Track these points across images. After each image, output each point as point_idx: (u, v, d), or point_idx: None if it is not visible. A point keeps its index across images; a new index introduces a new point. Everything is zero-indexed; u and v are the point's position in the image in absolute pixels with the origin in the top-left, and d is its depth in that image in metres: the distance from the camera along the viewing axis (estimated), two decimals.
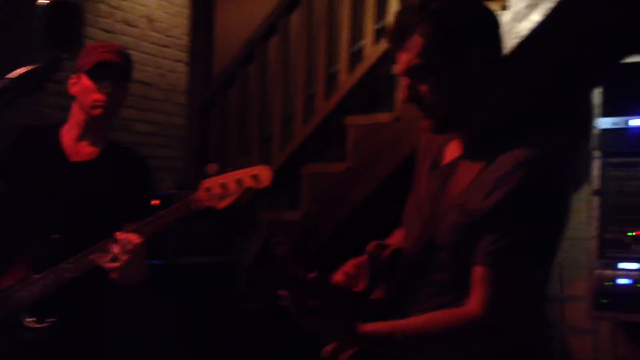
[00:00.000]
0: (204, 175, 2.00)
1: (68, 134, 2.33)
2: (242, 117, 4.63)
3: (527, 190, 1.38)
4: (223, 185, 1.95)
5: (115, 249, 2.00)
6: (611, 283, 3.54)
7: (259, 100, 4.53)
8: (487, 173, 1.44)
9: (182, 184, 3.86)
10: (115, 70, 2.27)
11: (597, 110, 3.76)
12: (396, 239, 1.78)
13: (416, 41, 1.46)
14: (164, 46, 5.37)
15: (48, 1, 1.73)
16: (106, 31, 4.87)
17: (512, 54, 3.38)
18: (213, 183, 1.97)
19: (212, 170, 1.98)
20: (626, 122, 3.62)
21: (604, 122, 3.67)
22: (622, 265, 3.52)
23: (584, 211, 3.82)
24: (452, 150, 1.59)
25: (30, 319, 2.09)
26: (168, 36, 5.39)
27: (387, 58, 3.91)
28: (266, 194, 4.31)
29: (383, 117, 3.89)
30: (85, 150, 2.33)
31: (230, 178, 1.95)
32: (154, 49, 5.28)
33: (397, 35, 1.50)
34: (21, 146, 2.35)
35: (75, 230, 2.18)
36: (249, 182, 1.94)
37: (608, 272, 3.56)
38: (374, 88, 4.20)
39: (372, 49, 3.98)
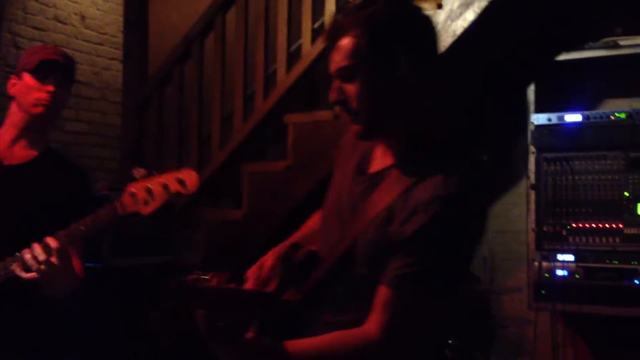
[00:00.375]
0: (131, 179, 1.94)
1: (3, 137, 2.26)
2: (180, 116, 4.55)
3: (440, 226, 1.40)
4: (148, 190, 1.90)
5: (28, 258, 1.93)
6: (549, 274, 3.63)
7: (197, 98, 4.46)
8: (410, 194, 1.44)
9: (118, 184, 3.77)
10: (59, 70, 2.22)
11: (531, 106, 3.85)
12: (306, 231, 1.79)
13: (348, 42, 1.47)
14: (98, 44, 5.24)
15: None
16: (37, 29, 4.72)
17: (447, 52, 3.42)
18: (138, 188, 1.91)
19: (139, 174, 1.92)
20: (560, 118, 3.72)
21: (538, 119, 3.76)
22: (560, 257, 3.62)
23: (522, 205, 3.91)
24: (382, 158, 1.59)
25: None
26: (102, 34, 5.26)
27: (325, 57, 3.90)
28: (207, 194, 4.26)
29: (322, 115, 3.89)
30: (20, 154, 2.26)
31: (156, 183, 1.89)
32: (88, 46, 5.15)
33: (331, 35, 1.51)
34: None
35: (7, 236, 2.09)
36: (175, 187, 1.88)
37: (546, 264, 3.65)
38: (312, 86, 4.19)
39: (310, 48, 3.97)
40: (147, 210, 1.91)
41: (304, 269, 1.56)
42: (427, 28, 1.53)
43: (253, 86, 4.24)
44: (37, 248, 1.92)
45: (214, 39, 4.38)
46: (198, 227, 4.25)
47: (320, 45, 3.85)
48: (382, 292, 1.42)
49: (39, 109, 2.20)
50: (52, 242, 1.93)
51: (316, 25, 4.01)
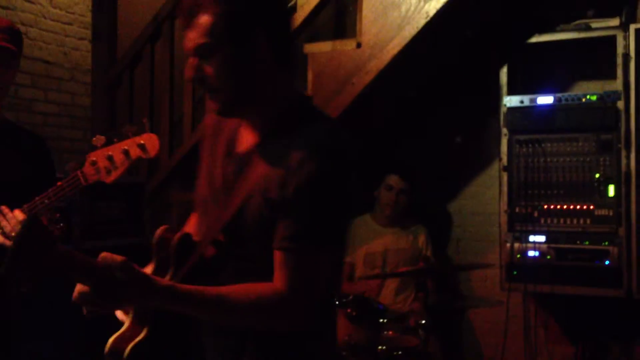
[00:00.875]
0: (90, 147, 1.89)
1: None
2: (151, 97, 4.48)
3: (315, 183, 1.45)
4: (110, 158, 1.84)
5: (4, 224, 1.93)
6: (521, 255, 3.66)
7: (168, 79, 4.39)
8: (281, 163, 1.47)
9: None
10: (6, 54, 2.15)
11: (504, 88, 3.85)
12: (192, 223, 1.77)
13: (205, 20, 1.46)
14: (66, 23, 5.12)
15: None
16: (3, 7, 4.60)
17: (419, 34, 3.41)
18: (99, 156, 1.85)
19: (98, 142, 1.86)
20: (532, 101, 3.73)
21: (510, 101, 3.77)
22: (532, 238, 3.65)
23: (495, 187, 3.92)
24: (247, 138, 1.60)
25: None
26: (70, 13, 5.14)
27: (299, 37, 3.87)
28: (180, 175, 4.21)
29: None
30: None
31: (116, 149, 1.83)
32: (56, 26, 5.03)
33: (188, 12, 1.48)
34: None
35: None
36: (136, 152, 1.82)
37: (518, 245, 3.68)
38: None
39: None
40: (109, 178, 1.87)
41: (179, 254, 1.54)
42: (284, 7, 1.58)
43: None
44: (9, 213, 1.91)
45: None
46: (170, 209, 4.21)
47: (294, 23, 3.82)
48: (278, 256, 1.47)
49: None
50: (18, 214, 1.91)
51: None
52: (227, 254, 1.56)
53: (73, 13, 5.15)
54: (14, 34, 2.22)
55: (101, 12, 4.80)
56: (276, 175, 1.47)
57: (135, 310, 1.50)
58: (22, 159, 2.18)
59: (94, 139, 1.87)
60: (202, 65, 1.48)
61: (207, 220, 1.61)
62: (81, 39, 5.20)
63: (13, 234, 1.91)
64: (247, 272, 1.52)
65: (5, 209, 1.94)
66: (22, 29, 4.68)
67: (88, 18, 5.14)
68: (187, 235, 1.58)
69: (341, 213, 1.53)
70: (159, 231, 1.58)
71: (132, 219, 3.84)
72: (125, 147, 1.82)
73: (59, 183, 1.95)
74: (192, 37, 1.47)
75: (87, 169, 1.88)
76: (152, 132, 1.84)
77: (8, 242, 1.93)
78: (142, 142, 1.81)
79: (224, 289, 1.46)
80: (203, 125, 1.76)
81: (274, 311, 1.47)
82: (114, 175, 1.86)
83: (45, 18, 4.95)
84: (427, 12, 3.42)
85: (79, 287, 1.45)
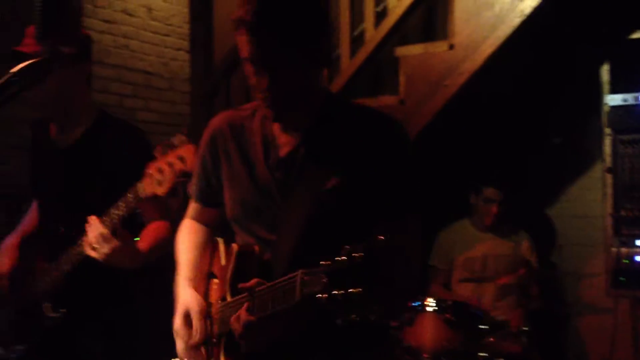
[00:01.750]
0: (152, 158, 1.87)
1: (55, 125, 2.35)
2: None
3: (402, 154, 1.58)
4: (160, 170, 1.80)
5: (87, 239, 2.00)
6: (629, 261, 3.51)
7: None
8: (346, 149, 1.54)
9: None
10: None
11: (605, 87, 3.71)
12: (195, 252, 1.80)
13: (270, 27, 1.48)
14: (165, 35, 5.31)
15: None
16: (106, 21, 4.82)
17: (515, 32, 3.33)
18: (153, 168, 1.82)
19: (157, 153, 1.82)
20: (636, 99, 3.57)
21: (613, 99, 3.62)
22: (639, 242, 3.49)
23: (597, 189, 3.78)
24: (285, 138, 1.61)
25: (49, 307, 2.17)
26: (168, 24, 5.33)
27: (389, 40, 3.86)
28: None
29: (387, 100, 3.82)
30: (66, 138, 2.31)
31: (164, 161, 1.79)
32: (155, 37, 5.23)
33: (252, 18, 1.52)
34: (32, 141, 2.41)
35: (69, 217, 2.20)
36: (178, 166, 1.76)
37: (625, 250, 3.53)
38: (376, 71, 4.12)
39: (374, 32, 3.91)
40: (161, 190, 1.82)
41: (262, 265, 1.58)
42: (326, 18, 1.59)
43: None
44: (91, 228, 1.99)
45: None
46: None
47: (384, 28, 3.81)
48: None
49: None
50: (99, 227, 1.98)
51: (379, 8, 3.94)
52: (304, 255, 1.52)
53: (171, 25, 5.34)
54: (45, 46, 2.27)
55: (198, 22, 4.94)
56: (345, 162, 1.54)
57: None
58: (114, 154, 2.23)
59: (155, 149, 1.84)
60: (262, 71, 1.50)
61: (263, 224, 1.62)
62: (179, 49, 5.37)
63: (94, 245, 1.98)
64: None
65: (91, 219, 2.00)
66: (124, 41, 4.92)
67: (185, 29, 5.31)
68: (263, 261, 1.60)
69: (421, 181, 1.61)
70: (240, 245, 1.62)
71: None
72: (170, 160, 1.78)
73: (125, 196, 1.97)
74: (260, 48, 1.50)
75: (146, 181, 1.86)
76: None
77: (93, 253, 2.00)
78: (180, 154, 1.76)
79: None
80: (208, 130, 1.77)
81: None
82: (164, 188, 1.81)
83: (145, 30, 5.15)
84: (522, 11, 3.33)
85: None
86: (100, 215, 2.00)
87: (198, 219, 1.86)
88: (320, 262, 1.29)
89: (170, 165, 1.77)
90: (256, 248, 1.62)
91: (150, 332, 2.23)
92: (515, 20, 3.33)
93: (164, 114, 5.28)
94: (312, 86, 1.59)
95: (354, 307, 1.24)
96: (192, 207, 1.87)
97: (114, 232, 1.99)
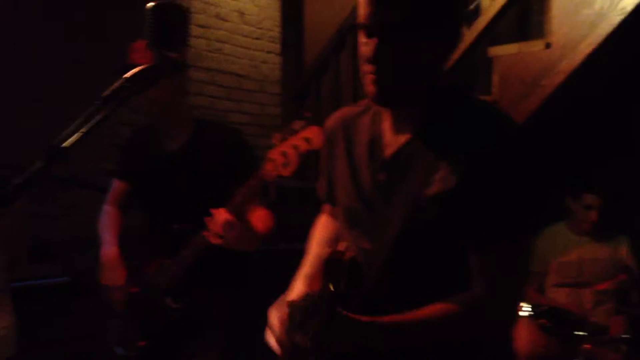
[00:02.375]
0: (270, 146, 2.02)
1: (162, 130, 2.46)
2: (336, 105, 4.62)
3: (504, 172, 1.35)
4: (284, 154, 1.96)
5: (213, 226, 2.13)
6: None
7: (351, 87, 4.51)
8: (455, 155, 1.36)
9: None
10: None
11: None
12: (321, 243, 1.73)
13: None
14: (256, 38, 5.42)
15: (153, 4, 1.76)
16: (200, 26, 4.97)
17: (616, 31, 3.22)
18: (276, 153, 1.98)
19: (276, 140, 1.99)
20: None
21: None
22: None
23: None
24: (393, 137, 1.49)
25: (170, 301, 2.31)
26: (259, 28, 5.44)
27: (483, 40, 3.81)
28: None
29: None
30: (174, 142, 2.44)
31: (288, 145, 1.95)
32: (246, 41, 5.35)
33: None
34: (135, 145, 2.55)
35: (184, 215, 2.33)
36: (304, 146, 1.92)
37: None
38: (469, 72, 4.08)
39: (466, 32, 3.88)
40: (286, 172, 1.97)
41: (352, 272, 1.48)
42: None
43: None
44: (217, 215, 2.11)
45: None
46: None
47: (477, 28, 3.76)
48: (475, 258, 1.37)
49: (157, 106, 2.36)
50: (224, 215, 2.11)
51: None
52: (398, 262, 1.45)
53: (262, 28, 5.44)
54: (153, 56, 2.40)
55: (289, 25, 5.03)
56: (452, 167, 1.36)
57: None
58: (222, 155, 2.37)
59: (273, 137, 2.00)
60: (383, 45, 1.35)
61: (362, 231, 1.52)
62: (269, 52, 5.48)
63: (221, 233, 2.12)
64: (420, 280, 1.43)
65: (216, 210, 2.13)
66: (218, 45, 5.05)
67: (275, 32, 5.41)
68: (353, 258, 1.51)
69: (531, 200, 1.39)
70: (326, 253, 1.53)
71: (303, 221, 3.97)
72: (295, 142, 1.93)
73: (248, 182, 2.11)
74: (382, 13, 1.34)
75: (268, 166, 2.01)
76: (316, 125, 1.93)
77: (220, 241, 2.13)
78: (307, 136, 1.91)
79: (422, 312, 1.37)
80: (325, 129, 1.72)
81: (480, 321, 1.38)
82: (289, 169, 1.97)
83: (237, 34, 5.27)
84: (623, 8, 3.22)
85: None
86: (212, 209, 2.14)
87: (333, 216, 1.83)
88: None
89: (296, 147, 1.92)
90: (348, 254, 1.52)
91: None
92: (616, 18, 3.22)
93: (254, 116, 5.39)
94: (427, 71, 1.39)
95: None
96: (325, 206, 1.86)
97: (239, 218, 2.13)
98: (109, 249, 2.51)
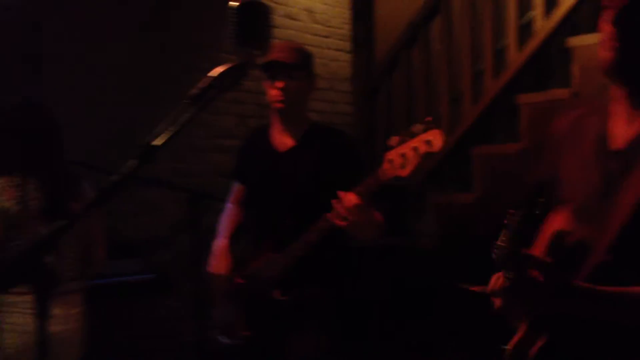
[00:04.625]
0: (387, 148, 2.11)
1: (274, 130, 2.57)
2: (408, 101, 4.59)
3: None
4: (403, 155, 2.05)
5: (340, 209, 2.18)
6: None
7: (424, 82, 4.47)
8: None
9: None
10: (286, 67, 2.44)
11: None
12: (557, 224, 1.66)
13: None
14: (325, 36, 5.43)
15: (238, 3, 1.79)
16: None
17: None
18: (394, 154, 2.07)
19: (393, 142, 2.08)
20: None
21: None
22: None
23: None
24: (624, 129, 1.48)
25: (277, 293, 2.41)
26: (328, 26, 5.44)
27: (560, 30, 3.72)
28: (433, 178, 4.26)
29: (559, 93, 3.70)
30: (285, 142, 2.54)
31: (407, 147, 2.04)
32: (316, 40, 5.35)
33: None
34: (249, 146, 2.68)
35: (295, 211, 2.43)
36: (424, 148, 2.02)
37: None
38: (546, 63, 4.00)
39: (543, 21, 3.79)
40: (404, 172, 2.06)
41: (574, 256, 1.49)
42: None
43: (481, 65, 4.16)
44: (345, 197, 2.18)
45: (439, 22, 4.36)
46: (427, 211, 4.28)
47: (555, 17, 3.68)
48: None
49: (274, 105, 2.49)
50: (353, 198, 2.17)
51: None
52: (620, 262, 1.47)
53: (331, 26, 5.44)
54: (296, 52, 2.50)
55: (359, 23, 5.02)
56: None
57: (531, 317, 1.52)
58: (332, 156, 2.46)
59: (390, 140, 2.10)
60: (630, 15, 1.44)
61: (592, 227, 1.51)
62: (338, 50, 5.47)
63: (347, 216, 2.18)
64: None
65: (341, 194, 2.19)
66: None
67: (345, 30, 5.40)
68: (580, 240, 1.53)
69: None
70: (552, 234, 1.58)
71: (396, 219, 3.97)
72: (415, 145, 2.02)
73: (366, 179, 2.18)
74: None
75: (386, 166, 2.10)
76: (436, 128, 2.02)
77: (344, 223, 2.20)
78: (428, 138, 2.01)
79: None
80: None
81: None
82: (407, 170, 2.06)
83: (306, 33, 5.29)
84: None
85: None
86: (324, 207, 2.23)
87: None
88: None
89: (415, 149, 2.02)
90: (574, 237, 1.55)
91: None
92: None
93: (324, 113, 5.39)
94: None
95: None
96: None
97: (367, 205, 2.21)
98: (220, 240, 2.68)
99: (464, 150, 4.12)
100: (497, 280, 1.52)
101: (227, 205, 2.78)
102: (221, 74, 1.71)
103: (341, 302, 2.53)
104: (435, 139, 2.00)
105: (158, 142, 1.51)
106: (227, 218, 2.75)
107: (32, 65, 3.58)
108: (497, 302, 1.53)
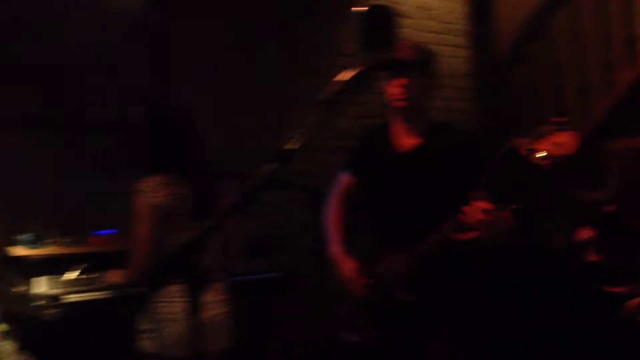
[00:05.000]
0: (511, 150, 2.00)
1: (394, 130, 2.53)
2: (532, 96, 4.44)
3: None
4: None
5: (469, 219, 2.12)
6: None
7: (548, 76, 4.31)
8: None
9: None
10: (405, 65, 2.40)
11: None
12: None
13: None
14: (441, 33, 5.35)
15: (364, 8, 1.79)
16: None
17: None
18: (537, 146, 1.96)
19: (519, 144, 1.97)
20: None
21: None
22: None
23: None
24: None
25: (403, 293, 2.38)
26: (444, 22, 5.36)
27: None
28: (565, 173, 4.09)
29: None
30: (407, 142, 2.49)
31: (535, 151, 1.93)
32: (431, 37, 5.28)
33: None
34: (367, 142, 2.64)
35: (421, 211, 2.38)
36: (554, 151, 1.91)
37: None
38: None
39: None
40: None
41: None
42: None
43: (611, 55, 3.97)
44: (476, 204, 2.12)
45: (564, 12, 4.19)
46: (559, 209, 4.12)
47: None
48: None
49: (396, 103, 2.43)
50: (483, 204, 2.10)
51: None
52: None
53: (447, 22, 5.36)
54: (411, 49, 2.48)
55: (478, 18, 4.92)
56: None
57: None
58: (458, 156, 2.40)
59: (514, 141, 1.98)
60: None
61: None
62: (456, 46, 5.37)
63: (479, 226, 2.12)
64: None
65: (467, 209, 2.14)
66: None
67: (461, 25, 5.30)
68: None
69: None
70: None
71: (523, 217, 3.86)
72: (541, 147, 1.92)
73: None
74: None
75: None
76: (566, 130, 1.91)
77: (472, 234, 2.15)
78: (558, 140, 1.90)
79: None
80: None
81: None
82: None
83: (421, 31, 5.23)
84: None
85: None
86: (449, 207, 2.17)
87: None
88: None
89: (543, 154, 1.92)
90: None
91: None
92: None
93: (441, 111, 5.29)
94: None
95: None
96: None
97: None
98: (335, 247, 2.66)
99: (592, 145, 3.94)
100: None
101: (330, 199, 2.75)
102: (353, 78, 1.72)
103: (468, 305, 2.47)
104: (568, 141, 1.90)
105: (294, 145, 1.56)
106: (332, 219, 2.72)
107: (161, 76, 3.75)
108: None
